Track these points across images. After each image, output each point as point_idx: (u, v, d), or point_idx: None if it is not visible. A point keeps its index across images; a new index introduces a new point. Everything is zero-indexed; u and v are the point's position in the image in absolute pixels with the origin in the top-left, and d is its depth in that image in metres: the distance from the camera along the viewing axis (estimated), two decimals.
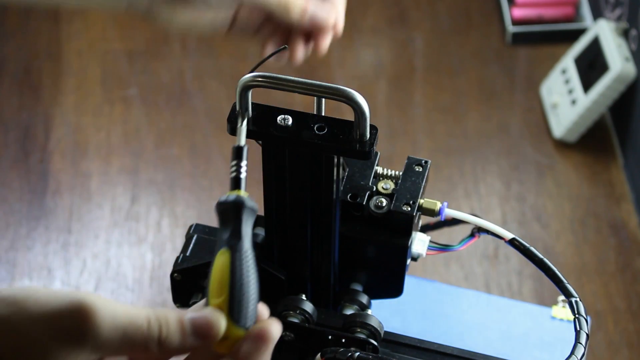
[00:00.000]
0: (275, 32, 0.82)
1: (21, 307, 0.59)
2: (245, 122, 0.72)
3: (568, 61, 1.50)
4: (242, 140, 0.70)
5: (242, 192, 0.67)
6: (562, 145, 1.48)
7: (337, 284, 0.88)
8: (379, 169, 0.86)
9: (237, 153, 0.69)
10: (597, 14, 1.55)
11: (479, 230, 0.86)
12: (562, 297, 0.95)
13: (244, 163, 0.68)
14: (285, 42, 0.82)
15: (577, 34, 1.55)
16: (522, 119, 1.52)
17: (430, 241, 0.88)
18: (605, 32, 1.45)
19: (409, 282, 0.93)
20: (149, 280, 1.31)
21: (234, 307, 0.64)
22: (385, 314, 0.98)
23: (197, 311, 0.63)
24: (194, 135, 1.49)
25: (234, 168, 0.68)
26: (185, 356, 0.65)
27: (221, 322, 0.63)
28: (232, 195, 0.66)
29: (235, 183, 0.67)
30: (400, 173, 0.85)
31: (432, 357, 0.88)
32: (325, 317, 0.85)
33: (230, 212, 0.66)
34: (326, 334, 0.84)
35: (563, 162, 1.47)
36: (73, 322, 0.59)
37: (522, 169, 1.46)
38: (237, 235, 0.65)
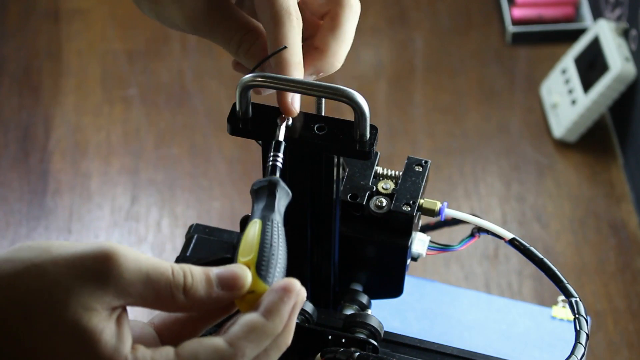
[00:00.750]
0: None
1: (45, 251, 0.60)
2: (284, 123, 0.74)
3: (568, 61, 1.50)
4: (281, 136, 0.73)
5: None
6: (562, 145, 1.48)
7: (337, 284, 0.88)
8: (379, 169, 0.86)
9: (276, 147, 0.72)
10: (597, 14, 1.55)
11: (479, 230, 0.86)
12: (562, 297, 0.95)
13: (280, 155, 0.71)
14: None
15: (577, 34, 1.55)
16: (522, 119, 1.52)
17: (430, 241, 0.88)
18: (605, 32, 1.45)
19: (409, 282, 0.93)
20: None
21: (261, 264, 0.64)
22: (385, 314, 0.98)
23: (223, 267, 0.64)
24: (194, 135, 1.49)
25: (271, 158, 0.71)
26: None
27: (247, 274, 0.63)
28: (267, 177, 0.70)
29: (272, 169, 0.71)
30: (400, 173, 0.85)
31: (432, 357, 0.88)
32: (325, 317, 0.85)
33: (265, 189, 0.68)
34: (326, 334, 0.84)
35: (563, 162, 1.47)
36: (95, 263, 0.59)
37: (522, 169, 1.46)
38: (270, 208, 0.68)
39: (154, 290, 0.61)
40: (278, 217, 0.67)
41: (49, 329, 0.59)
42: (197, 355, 0.61)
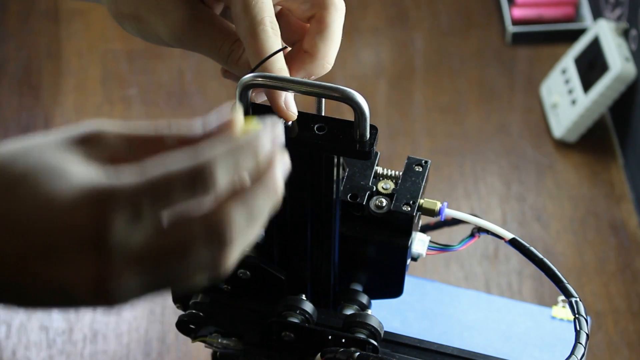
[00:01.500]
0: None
1: None
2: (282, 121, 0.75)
3: (568, 61, 1.50)
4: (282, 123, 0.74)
5: None
6: (562, 145, 1.48)
7: (337, 284, 0.88)
8: (379, 169, 0.86)
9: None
10: (597, 14, 1.56)
11: (479, 230, 0.86)
12: (562, 297, 0.95)
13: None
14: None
15: (577, 34, 1.55)
16: (522, 119, 1.52)
17: (430, 241, 0.88)
18: (605, 32, 1.45)
19: (409, 282, 0.93)
20: None
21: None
22: (385, 314, 0.98)
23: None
24: None
25: None
26: None
27: (239, 110, 0.61)
28: None
29: None
30: (400, 173, 0.85)
31: (432, 357, 0.88)
32: (325, 317, 0.85)
33: None
34: (326, 334, 0.84)
35: (563, 162, 1.47)
36: (77, 127, 0.58)
37: (522, 169, 1.46)
38: None
39: (140, 135, 0.58)
40: None
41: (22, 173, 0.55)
42: (164, 160, 0.56)
